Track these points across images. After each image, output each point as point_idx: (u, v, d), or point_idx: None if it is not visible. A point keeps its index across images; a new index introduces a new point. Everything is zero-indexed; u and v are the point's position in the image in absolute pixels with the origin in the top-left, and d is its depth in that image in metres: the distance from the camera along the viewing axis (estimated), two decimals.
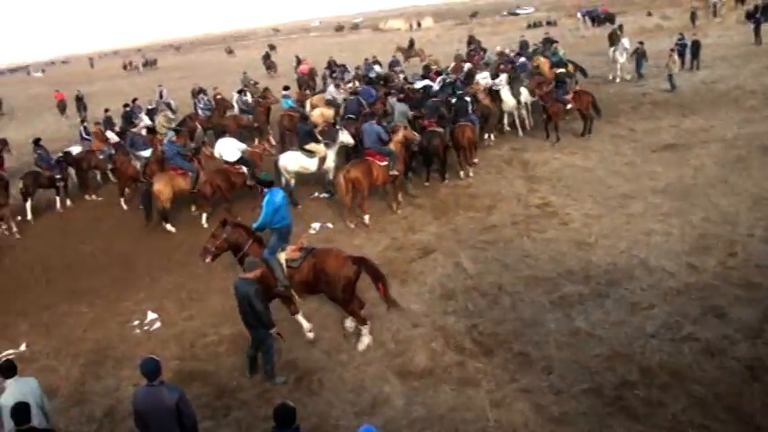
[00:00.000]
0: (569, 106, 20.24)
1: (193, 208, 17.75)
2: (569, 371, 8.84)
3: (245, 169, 17.27)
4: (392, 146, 15.80)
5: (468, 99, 18.58)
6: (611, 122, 21.39)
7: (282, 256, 10.20)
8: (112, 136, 22.82)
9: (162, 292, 13.23)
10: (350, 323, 10.63)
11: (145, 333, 11.81)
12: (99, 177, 22.91)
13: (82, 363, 11.11)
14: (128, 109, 26.01)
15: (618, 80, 29.35)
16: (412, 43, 46.75)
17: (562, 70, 22.43)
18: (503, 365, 9.16)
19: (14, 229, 18.20)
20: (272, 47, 77.38)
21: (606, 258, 11.99)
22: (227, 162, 17.40)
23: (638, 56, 29.10)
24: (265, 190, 10.69)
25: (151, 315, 12.31)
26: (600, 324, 9.87)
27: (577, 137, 20.42)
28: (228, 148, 17.64)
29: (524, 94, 21.62)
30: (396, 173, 15.86)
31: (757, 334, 9.12)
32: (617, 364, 8.84)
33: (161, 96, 32.65)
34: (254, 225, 10.52)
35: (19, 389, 7.59)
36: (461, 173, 17.82)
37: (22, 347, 11.99)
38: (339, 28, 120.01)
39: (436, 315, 10.78)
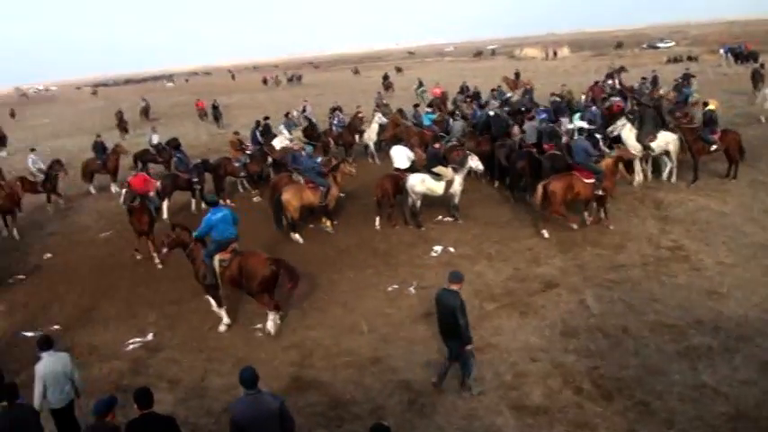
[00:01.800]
0: (714, 147, 19.21)
1: (326, 222, 18.13)
2: (691, 427, 8.47)
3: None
4: (603, 164, 16.20)
5: (598, 137, 18.29)
6: (751, 166, 20.24)
7: (217, 258, 12.26)
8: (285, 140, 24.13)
9: (286, 299, 13.67)
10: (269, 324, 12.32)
11: (266, 337, 12.22)
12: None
13: (204, 358, 11.67)
14: (268, 122, 27.03)
15: None
16: (518, 74, 46.89)
17: (711, 107, 21.04)
18: (622, 413, 8.89)
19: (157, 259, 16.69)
20: (399, 69, 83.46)
21: (738, 311, 11.40)
22: (397, 168, 18.48)
23: None
24: (210, 208, 12.74)
25: (272, 317, 12.72)
26: (727, 381, 9.39)
27: (714, 178, 19.52)
28: (400, 156, 18.81)
29: (663, 138, 19.31)
30: (602, 192, 16.02)
31: None
32: (741, 426, 8.40)
33: (304, 111, 33.72)
34: (194, 234, 12.64)
35: (53, 361, 8.56)
36: (585, 213, 16.91)
37: (149, 337, 12.74)
38: (477, 53, 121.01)
39: (556, 352, 10.59)
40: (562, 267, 14.04)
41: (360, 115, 28.08)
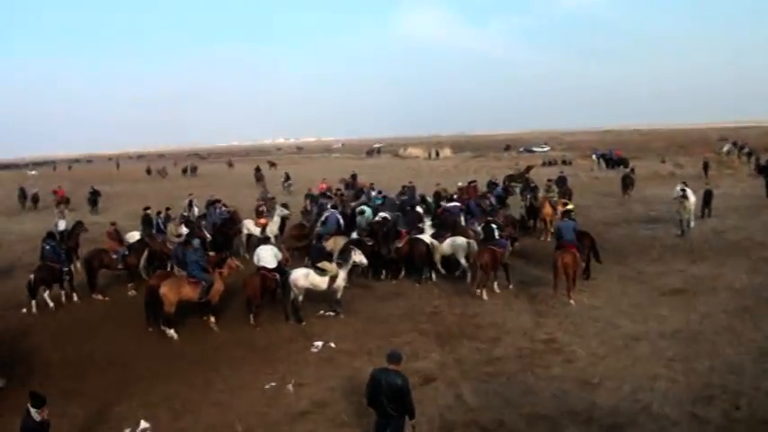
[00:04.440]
0: None
1: (210, 319, 17.57)
2: None
3: (277, 276, 17.96)
4: None
5: (494, 226, 19.60)
6: (620, 263, 21.43)
7: None
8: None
9: (157, 399, 12.98)
10: None
11: None
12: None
13: None
14: (148, 212, 26.34)
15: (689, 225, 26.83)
16: (355, 176, 48.16)
17: (570, 207, 22.61)
18: None
19: None
20: (272, 164, 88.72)
21: (609, 401, 11.73)
22: (263, 268, 18.01)
23: (705, 196, 30.36)
24: None
25: (143, 424, 12.00)
26: None
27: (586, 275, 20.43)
28: (267, 256, 18.40)
29: (449, 244, 21.18)
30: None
31: None
32: None
33: (190, 205, 33.01)
34: None
35: None
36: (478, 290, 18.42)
37: None
38: (370, 151, 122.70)
39: None
40: (440, 361, 14.09)
41: (260, 209, 28.29)
